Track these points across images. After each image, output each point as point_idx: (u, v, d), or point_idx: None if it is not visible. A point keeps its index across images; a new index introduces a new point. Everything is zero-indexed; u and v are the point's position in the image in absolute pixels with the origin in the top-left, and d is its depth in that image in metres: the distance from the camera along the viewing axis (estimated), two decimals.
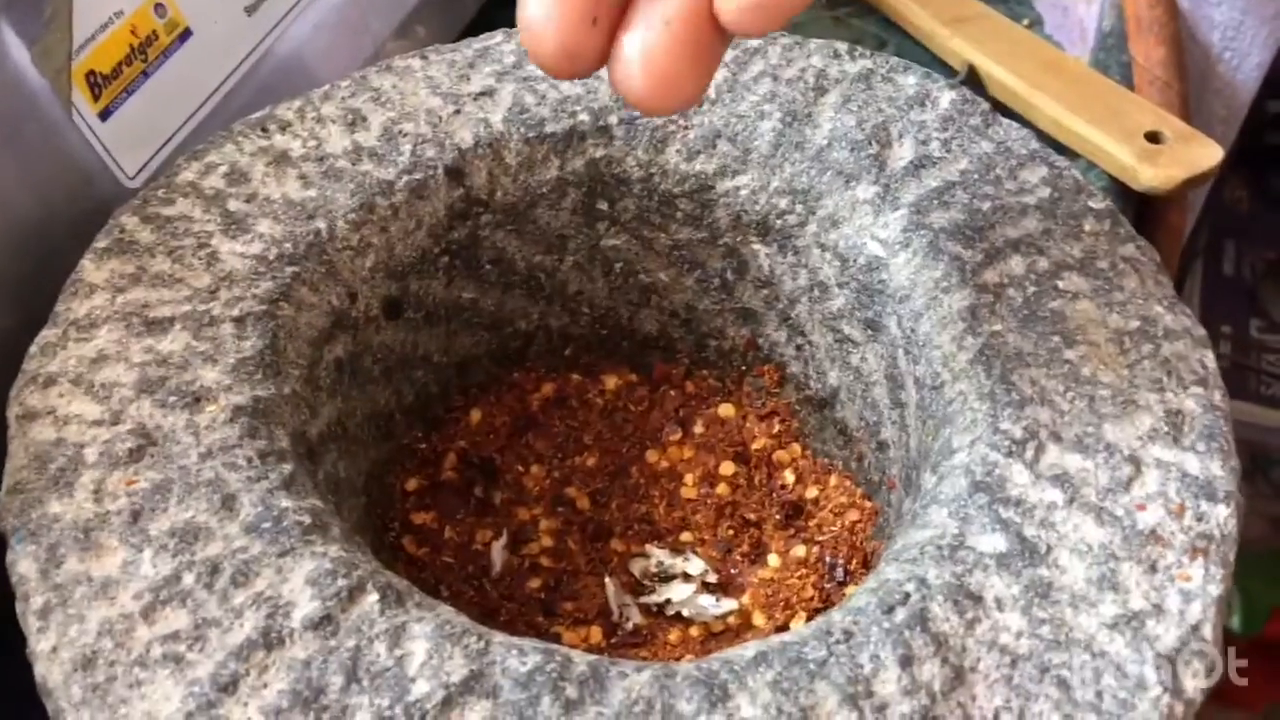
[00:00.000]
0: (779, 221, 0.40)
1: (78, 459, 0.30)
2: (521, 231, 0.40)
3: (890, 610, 0.29)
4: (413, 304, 0.40)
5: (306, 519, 0.30)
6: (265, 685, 0.27)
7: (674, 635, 0.39)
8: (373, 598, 0.29)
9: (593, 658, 0.28)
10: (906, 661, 0.28)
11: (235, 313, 0.34)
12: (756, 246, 0.41)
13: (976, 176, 0.38)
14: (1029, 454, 0.32)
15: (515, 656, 0.28)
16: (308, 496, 0.31)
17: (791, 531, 0.41)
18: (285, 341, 0.35)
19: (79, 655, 0.27)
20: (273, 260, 0.35)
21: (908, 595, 0.29)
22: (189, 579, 0.28)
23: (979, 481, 0.31)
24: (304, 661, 0.27)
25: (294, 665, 0.27)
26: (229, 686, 0.27)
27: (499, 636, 0.29)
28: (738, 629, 0.39)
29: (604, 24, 0.25)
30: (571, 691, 0.27)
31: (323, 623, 0.28)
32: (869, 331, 0.39)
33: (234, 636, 0.27)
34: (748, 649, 0.29)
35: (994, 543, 0.30)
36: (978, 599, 0.29)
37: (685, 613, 0.39)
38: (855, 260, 0.38)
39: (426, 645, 0.28)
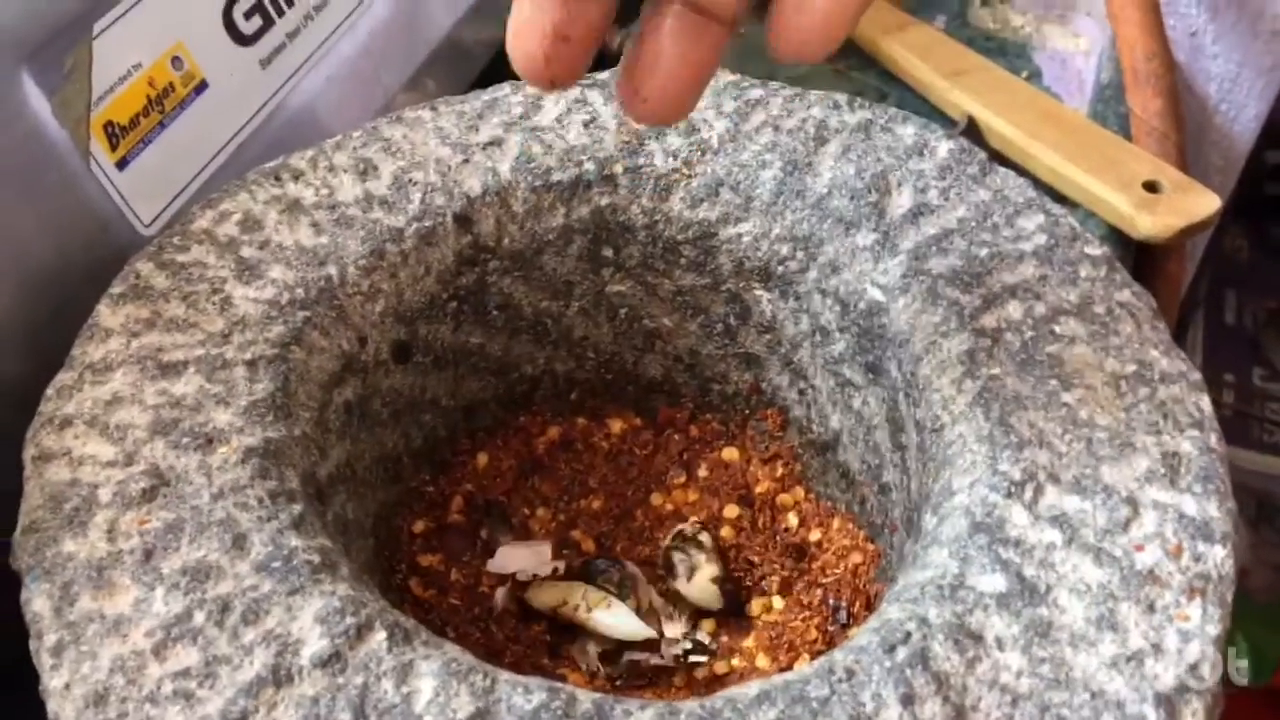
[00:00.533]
0: (780, 268, 0.40)
1: (92, 499, 0.31)
2: (528, 277, 0.41)
3: (892, 649, 0.29)
4: (421, 348, 0.41)
5: (316, 558, 0.31)
6: None
7: (678, 678, 0.40)
8: (380, 635, 0.29)
9: (597, 695, 0.29)
10: (908, 700, 0.28)
11: (248, 356, 0.34)
12: (759, 292, 0.41)
13: (974, 224, 0.39)
14: (1028, 495, 0.32)
15: (521, 694, 0.28)
16: (317, 536, 0.32)
17: (795, 574, 0.41)
18: (296, 384, 0.35)
19: (91, 692, 0.27)
20: (285, 305, 0.36)
21: (909, 634, 0.29)
22: (200, 617, 0.28)
23: (979, 522, 0.32)
24: (313, 698, 0.27)
25: (303, 702, 0.27)
26: None
27: (504, 674, 0.29)
28: (743, 672, 0.39)
29: (577, 42, 0.26)
30: None
31: (331, 660, 0.28)
32: (870, 375, 0.39)
33: (244, 674, 0.27)
34: (750, 688, 0.29)
35: (994, 582, 0.30)
36: (978, 638, 0.29)
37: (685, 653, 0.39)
38: (856, 305, 0.39)
39: (434, 683, 0.28)
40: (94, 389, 0.33)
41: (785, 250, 0.40)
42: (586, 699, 0.28)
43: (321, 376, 0.36)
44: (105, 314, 0.35)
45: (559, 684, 0.29)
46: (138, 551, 0.30)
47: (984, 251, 0.38)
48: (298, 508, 0.32)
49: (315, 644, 0.28)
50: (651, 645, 0.40)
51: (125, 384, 0.33)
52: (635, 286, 0.42)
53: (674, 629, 0.41)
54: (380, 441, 0.40)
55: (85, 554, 0.30)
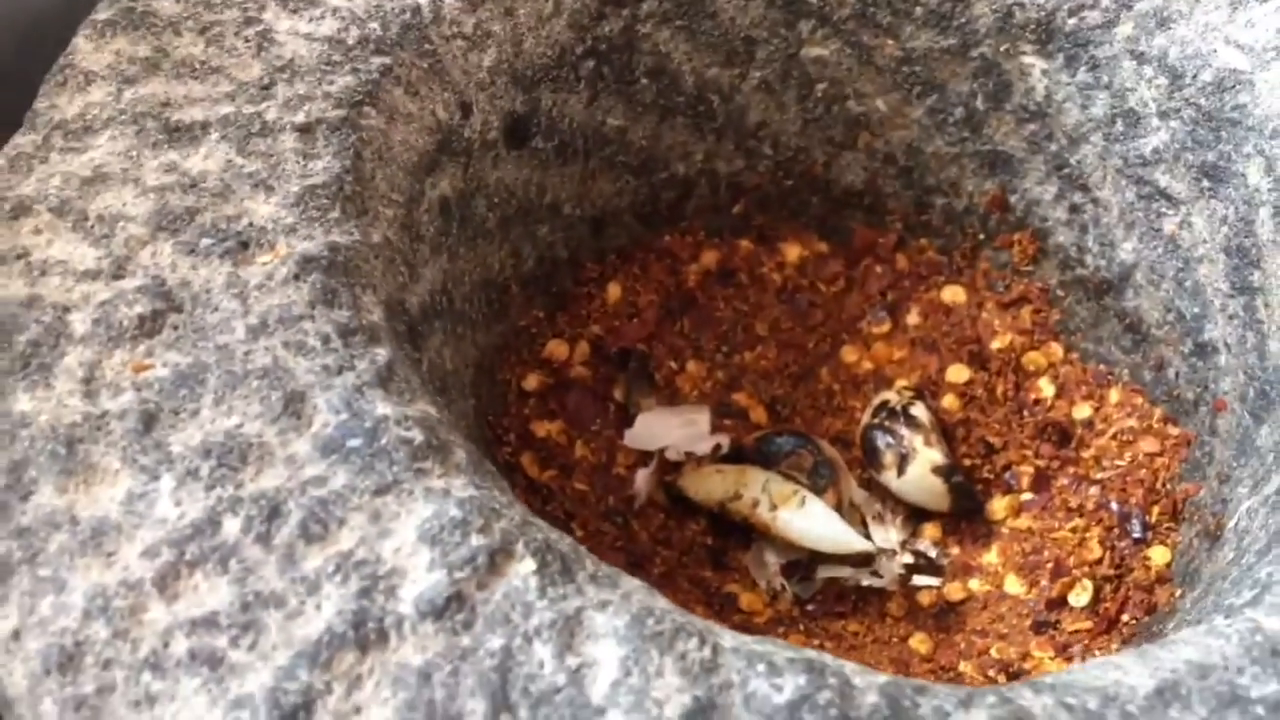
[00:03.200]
0: (1072, 21, 0.29)
1: (60, 329, 0.21)
2: (694, 30, 0.31)
3: None
4: (543, 127, 0.30)
5: (416, 434, 0.19)
6: (357, 710, 0.17)
7: (894, 605, 0.29)
8: (527, 566, 0.18)
9: (883, 679, 0.18)
10: None
11: (299, 119, 0.24)
12: (1030, 59, 0.30)
13: None
14: None
15: (764, 676, 0.17)
16: (414, 399, 0.20)
17: (1056, 466, 0.30)
18: (374, 165, 0.24)
19: (56, 648, 0.18)
20: (353, 46, 0.25)
21: None
22: (233, 527, 0.19)
23: None
24: (422, 671, 0.17)
25: (405, 678, 0.17)
26: (298, 712, 0.17)
27: (728, 637, 0.18)
28: (986, 599, 0.28)
29: None
30: None
31: (450, 607, 0.17)
32: (1204, 183, 0.27)
33: (307, 626, 0.18)
34: (1131, 673, 0.18)
35: None
36: None
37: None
38: (1195, 76, 0.27)
39: (619, 651, 0.17)
40: (65, 159, 0.24)
41: None
42: (868, 684, 0.17)
43: (409, 157, 0.25)
44: (86, 50, 0.26)
45: (815, 656, 0.18)
46: (132, 415, 0.20)
47: None
48: (383, 353, 0.20)
49: (423, 579, 0.18)
50: (858, 559, 0.28)
51: (113, 154, 0.24)
52: (843, 49, 0.32)
53: (886, 535, 0.29)
54: (484, 260, 0.29)
55: (48, 417, 0.20)
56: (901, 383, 0.32)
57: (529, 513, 0.20)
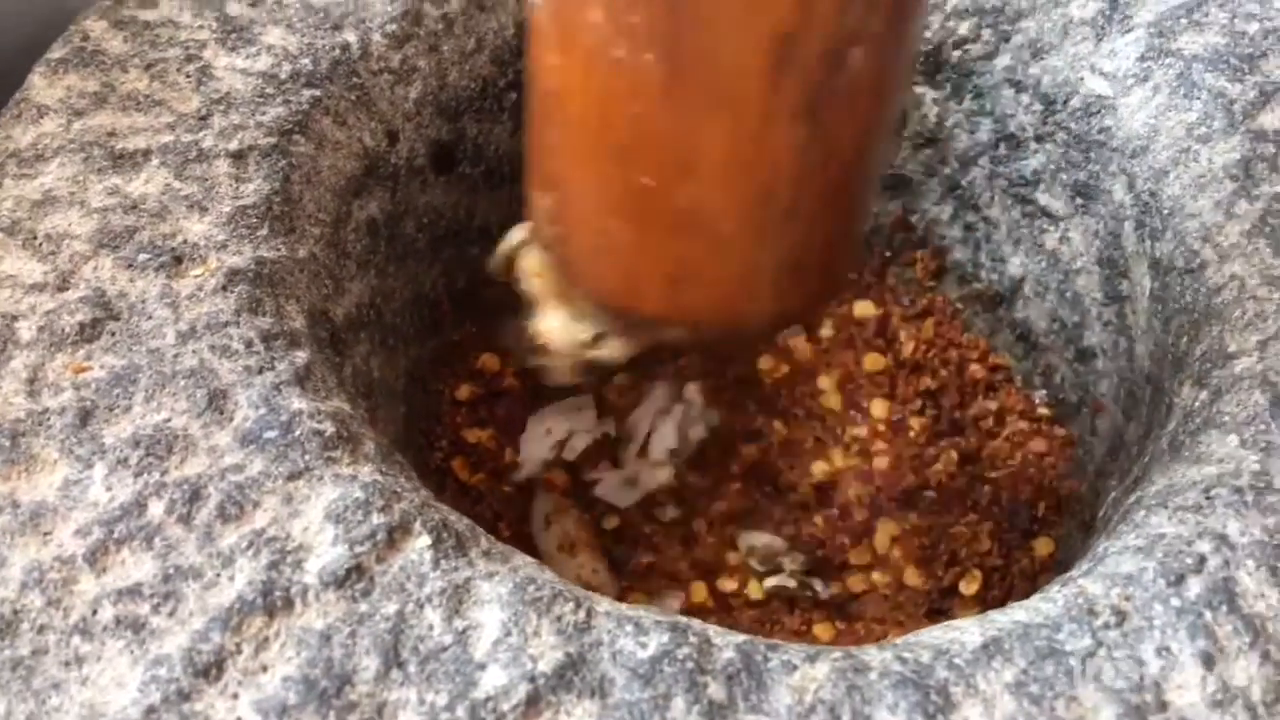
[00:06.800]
0: (956, 53, 0.30)
1: (7, 335, 0.24)
2: None
3: (1179, 580, 0.20)
4: (469, 154, 0.31)
5: (328, 427, 0.21)
6: (264, 668, 0.19)
7: (802, 596, 0.30)
8: (422, 541, 0.20)
9: (740, 638, 0.20)
10: (1211, 657, 0.19)
11: (233, 146, 0.25)
12: (922, 89, 0.31)
13: None
14: None
15: (631, 635, 0.19)
16: (330, 397, 0.22)
17: (955, 464, 0.32)
18: (301, 188, 0.26)
19: None
20: (285, 80, 0.26)
21: (1203, 559, 0.20)
22: (157, 509, 0.20)
23: None
24: (322, 634, 0.18)
25: (307, 639, 0.18)
26: (211, 670, 0.18)
27: (604, 603, 0.20)
28: (886, 589, 0.30)
29: None
30: (716, 690, 0.19)
31: (350, 577, 0.19)
32: (1078, 201, 0.29)
33: (221, 595, 0.19)
34: (966, 632, 0.20)
35: None
36: None
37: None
38: (1066, 102, 0.29)
39: (501, 615, 0.19)
40: (18, 185, 0.25)
41: (965, 28, 0.30)
42: (726, 643, 0.19)
43: (336, 180, 0.27)
44: (39, 86, 0.26)
45: (682, 619, 0.20)
46: (70, 411, 0.22)
47: (1254, 27, 0.27)
48: (302, 356, 0.22)
49: (327, 553, 0.19)
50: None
51: (62, 179, 0.25)
52: None
53: None
54: (415, 278, 0.31)
55: None
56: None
57: (432, 498, 0.22)
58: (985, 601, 0.29)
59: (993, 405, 0.32)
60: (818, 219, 0.21)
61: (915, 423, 0.33)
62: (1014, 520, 0.30)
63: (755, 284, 0.22)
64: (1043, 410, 0.32)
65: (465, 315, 0.33)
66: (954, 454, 0.31)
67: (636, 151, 0.20)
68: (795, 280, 0.22)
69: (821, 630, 0.29)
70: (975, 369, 0.33)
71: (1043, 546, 0.30)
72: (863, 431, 0.33)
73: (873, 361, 0.33)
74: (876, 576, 0.31)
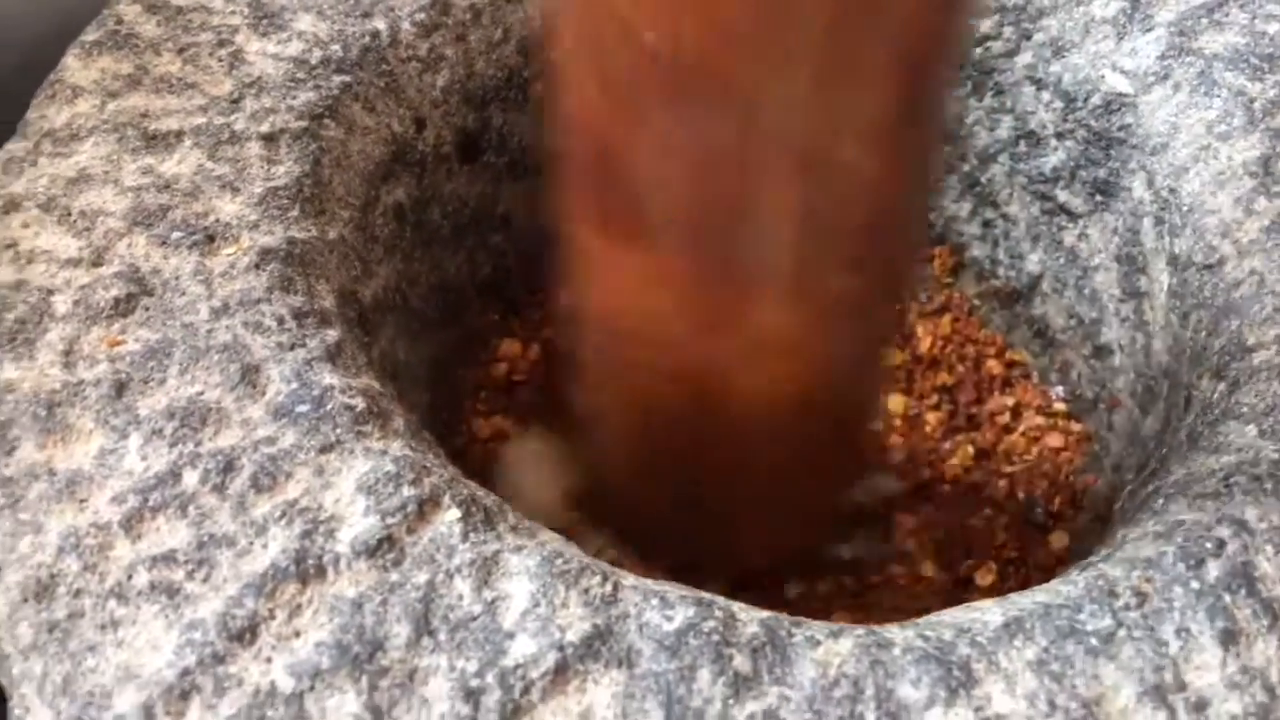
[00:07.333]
0: (978, 50, 0.30)
1: (43, 308, 0.23)
2: None
3: (1199, 564, 0.20)
4: (494, 143, 0.31)
5: (359, 402, 0.21)
6: (297, 634, 0.19)
7: (822, 585, 0.31)
8: (452, 514, 0.20)
9: (765, 614, 0.20)
10: (1230, 638, 0.19)
11: (264, 129, 0.25)
12: None
13: None
14: None
15: (657, 608, 0.19)
16: (360, 374, 0.22)
17: (971, 458, 0.32)
18: (331, 171, 0.26)
19: (32, 579, 0.20)
20: (316, 66, 0.27)
21: (1222, 543, 0.20)
22: (192, 478, 0.21)
23: None
24: (354, 601, 0.19)
25: (339, 606, 0.18)
26: (245, 634, 0.19)
27: (630, 577, 0.20)
28: (903, 581, 0.30)
29: None
30: (741, 662, 0.19)
31: (381, 547, 0.19)
32: (1097, 198, 0.29)
33: (254, 562, 0.19)
34: (988, 612, 0.20)
35: None
36: None
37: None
38: (1086, 99, 0.29)
39: (530, 586, 0.19)
40: (54, 163, 0.25)
41: (987, 26, 0.30)
42: (751, 618, 0.19)
43: (365, 165, 0.27)
44: (74, 67, 0.27)
45: (707, 595, 0.20)
46: (105, 383, 0.22)
47: (1274, 27, 0.28)
48: (333, 334, 0.23)
49: (359, 523, 0.19)
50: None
51: (97, 158, 0.25)
52: None
53: None
54: (439, 264, 0.31)
55: (31, 384, 0.23)
56: None
57: (460, 474, 0.22)
58: (1001, 594, 0.29)
59: (1009, 401, 0.33)
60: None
61: (932, 417, 0.33)
62: (1030, 514, 0.30)
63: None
64: (1059, 406, 0.32)
65: (488, 303, 0.33)
66: (970, 449, 0.32)
67: None
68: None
69: (840, 618, 0.30)
70: (992, 365, 0.33)
71: (1058, 540, 0.30)
72: (879, 426, 0.33)
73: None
74: (893, 568, 0.31)
